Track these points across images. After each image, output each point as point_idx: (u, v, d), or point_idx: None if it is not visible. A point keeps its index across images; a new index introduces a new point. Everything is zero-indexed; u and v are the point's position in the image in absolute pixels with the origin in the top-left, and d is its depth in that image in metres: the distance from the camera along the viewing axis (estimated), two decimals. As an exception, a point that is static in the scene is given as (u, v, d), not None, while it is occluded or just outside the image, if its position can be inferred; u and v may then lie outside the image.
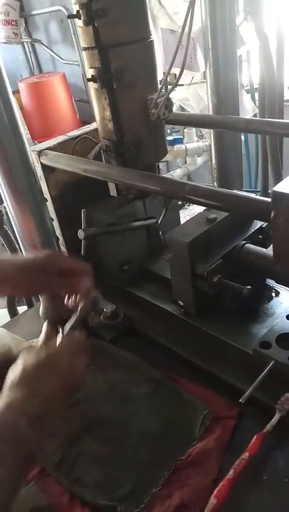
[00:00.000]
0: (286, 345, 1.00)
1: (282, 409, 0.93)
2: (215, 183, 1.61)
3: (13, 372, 0.79)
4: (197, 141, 3.44)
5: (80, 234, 1.25)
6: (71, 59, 4.26)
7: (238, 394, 0.95)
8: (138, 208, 1.38)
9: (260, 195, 1.90)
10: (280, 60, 1.78)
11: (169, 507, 0.86)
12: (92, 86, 1.06)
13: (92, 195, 1.27)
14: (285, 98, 1.90)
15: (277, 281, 1.20)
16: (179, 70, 1.01)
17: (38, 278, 0.97)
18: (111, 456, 0.97)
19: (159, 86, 1.09)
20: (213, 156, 1.56)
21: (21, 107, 4.15)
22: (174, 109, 2.42)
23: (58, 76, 4.28)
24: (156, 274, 1.37)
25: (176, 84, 1.10)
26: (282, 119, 1.74)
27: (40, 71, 4.92)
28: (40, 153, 1.28)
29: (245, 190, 2.12)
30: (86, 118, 3.68)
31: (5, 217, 1.58)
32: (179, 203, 1.83)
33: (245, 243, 1.15)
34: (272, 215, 0.75)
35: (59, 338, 0.88)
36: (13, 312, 1.96)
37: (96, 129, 1.19)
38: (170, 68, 1.04)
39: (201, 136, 3.47)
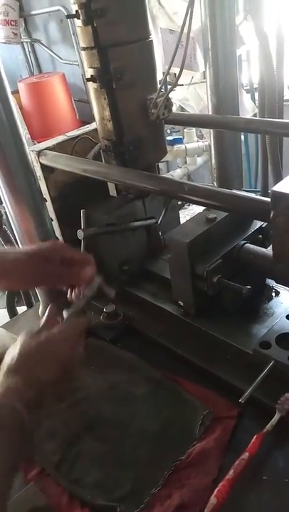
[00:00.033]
0: (286, 345, 1.00)
1: (282, 409, 0.93)
2: (215, 183, 1.61)
3: (11, 356, 0.79)
4: (197, 141, 3.45)
5: (80, 234, 1.25)
6: (71, 59, 4.26)
7: (238, 394, 0.95)
8: (138, 208, 1.38)
9: (260, 195, 1.90)
10: (279, 60, 1.78)
11: (168, 507, 0.85)
12: (92, 86, 1.06)
13: (91, 195, 1.27)
14: (284, 98, 1.90)
15: (277, 281, 1.19)
16: (179, 69, 1.01)
17: (42, 268, 0.98)
18: (111, 456, 0.97)
19: (159, 86, 1.09)
20: (213, 156, 1.56)
21: (21, 107, 4.15)
22: (174, 109, 2.42)
23: (57, 76, 4.28)
24: (156, 274, 1.37)
25: (175, 84, 1.10)
26: (282, 118, 1.73)
27: (40, 71, 4.92)
28: (39, 153, 1.28)
29: (245, 190, 2.12)
30: (86, 118, 3.67)
31: (4, 217, 1.58)
32: (179, 203, 1.82)
33: (244, 243, 1.15)
34: (271, 215, 0.75)
35: (60, 322, 0.88)
36: (12, 312, 1.96)
37: (95, 129, 1.19)
38: (169, 68, 1.04)
39: (200, 136, 3.47)
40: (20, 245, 1.40)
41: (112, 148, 1.11)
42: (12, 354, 0.79)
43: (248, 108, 2.58)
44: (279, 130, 1.27)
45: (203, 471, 0.90)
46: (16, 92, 4.16)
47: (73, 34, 3.95)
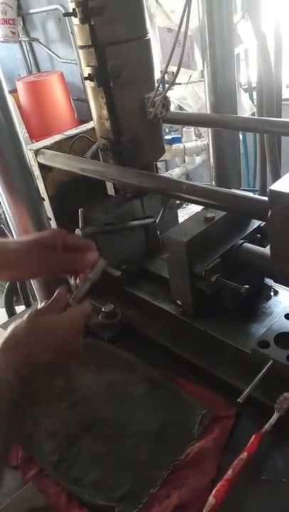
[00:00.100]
0: (284, 344, 1.00)
1: (280, 409, 0.93)
2: (213, 182, 1.61)
3: (12, 331, 0.78)
4: (195, 140, 3.44)
5: (78, 233, 1.24)
6: (69, 58, 4.25)
7: (237, 393, 0.95)
8: (136, 207, 1.37)
9: (259, 194, 1.90)
10: (278, 59, 1.78)
11: (167, 507, 0.85)
12: (89, 85, 1.06)
13: (89, 194, 1.27)
14: (283, 97, 1.90)
15: (275, 280, 1.19)
16: (176, 68, 1.00)
17: (44, 256, 0.98)
18: (109, 456, 0.97)
19: (156, 85, 1.08)
20: (211, 155, 1.56)
21: (19, 106, 4.15)
22: (172, 108, 2.42)
23: (55, 75, 4.27)
24: (155, 274, 1.37)
25: (172, 83, 1.09)
26: (281, 117, 1.73)
27: (38, 70, 4.91)
28: (37, 152, 1.27)
29: (243, 189, 2.12)
30: (84, 117, 3.67)
31: (2, 216, 1.57)
32: (177, 202, 1.82)
33: (243, 242, 1.15)
34: (269, 214, 0.75)
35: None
36: (11, 312, 1.96)
37: (93, 128, 1.19)
38: (166, 66, 1.04)
39: (199, 135, 3.47)
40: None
41: (109, 147, 1.11)
42: (14, 329, 0.79)
43: (246, 107, 2.58)
44: (277, 129, 1.27)
45: (202, 471, 0.90)
46: (14, 91, 4.15)
47: (71, 33, 3.94)
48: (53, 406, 1.09)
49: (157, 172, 1.31)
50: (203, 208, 1.18)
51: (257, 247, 1.14)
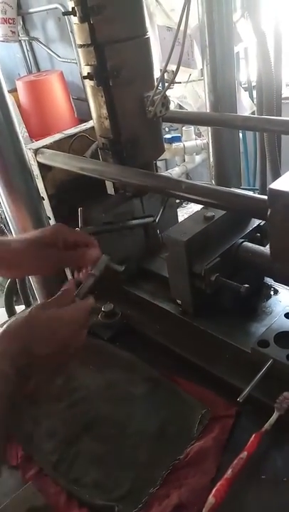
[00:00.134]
0: (284, 343, 1.00)
1: (280, 408, 0.92)
2: (213, 181, 1.61)
3: (14, 322, 0.77)
4: (195, 139, 3.44)
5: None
6: (69, 57, 4.25)
7: (236, 393, 0.94)
8: (136, 207, 1.37)
9: (259, 193, 1.90)
10: (277, 58, 1.77)
11: (167, 507, 0.85)
12: (89, 84, 1.05)
13: (89, 193, 1.27)
14: (283, 95, 1.90)
15: (275, 279, 1.19)
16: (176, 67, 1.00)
17: (45, 254, 0.99)
18: (109, 456, 0.96)
19: (156, 83, 1.08)
20: (211, 154, 1.55)
21: (19, 106, 4.15)
22: (172, 107, 2.41)
23: (55, 74, 4.27)
24: (154, 273, 1.37)
25: (172, 82, 1.09)
26: (280, 116, 1.73)
27: (38, 69, 4.91)
28: (36, 151, 1.27)
29: (243, 188, 2.11)
30: (84, 116, 3.66)
31: (2, 216, 1.57)
32: (177, 201, 1.82)
33: (243, 241, 1.15)
34: (268, 213, 0.75)
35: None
36: (11, 311, 1.96)
37: (93, 127, 1.19)
38: (166, 65, 1.03)
39: (199, 134, 3.47)
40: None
41: (109, 146, 1.10)
42: (14, 320, 0.78)
43: (246, 106, 2.58)
44: (277, 128, 1.26)
45: (202, 471, 0.90)
46: (14, 91, 4.15)
47: (71, 32, 3.94)
48: (52, 406, 1.09)
49: (157, 171, 1.30)
50: (202, 207, 1.17)
51: (257, 246, 1.14)
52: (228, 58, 1.38)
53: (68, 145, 1.33)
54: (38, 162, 1.28)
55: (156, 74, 1.12)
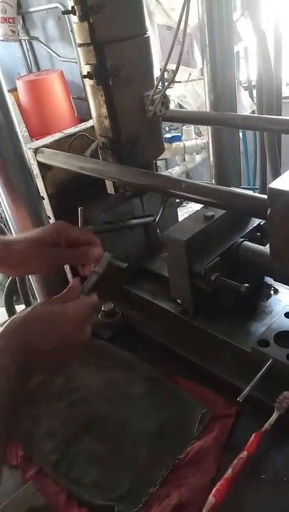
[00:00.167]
0: (284, 343, 0.99)
1: (280, 408, 0.92)
2: (213, 181, 1.60)
3: (16, 317, 0.78)
4: (195, 139, 3.44)
5: (78, 231, 1.24)
6: (69, 56, 4.25)
7: (236, 392, 0.94)
8: (136, 206, 1.37)
9: (259, 193, 1.89)
10: (277, 57, 1.77)
11: (167, 506, 0.85)
12: (88, 83, 1.05)
13: (89, 193, 1.26)
14: (283, 95, 1.90)
15: (275, 279, 1.19)
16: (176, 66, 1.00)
17: (46, 253, 0.99)
18: (109, 455, 0.96)
19: (156, 83, 1.08)
20: (211, 154, 1.55)
21: (19, 105, 4.14)
22: (172, 106, 2.40)
23: (55, 74, 4.27)
24: (154, 273, 1.37)
25: (171, 81, 1.09)
26: (281, 115, 1.73)
27: (38, 69, 4.90)
28: (36, 150, 1.27)
29: (243, 188, 2.11)
30: (84, 115, 3.66)
31: (2, 215, 1.57)
32: (177, 200, 1.82)
33: (243, 241, 1.14)
34: (268, 212, 0.74)
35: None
36: (11, 311, 1.96)
37: (93, 127, 1.18)
38: (166, 64, 1.03)
39: (199, 134, 3.47)
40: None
41: (109, 146, 1.10)
42: (16, 316, 0.79)
43: (246, 105, 2.58)
44: (277, 127, 1.26)
45: (202, 470, 0.90)
46: (14, 90, 4.15)
47: (71, 31, 3.94)
48: (52, 406, 1.09)
49: (157, 170, 1.30)
50: (202, 207, 1.17)
51: (257, 245, 1.14)
52: (228, 57, 1.38)
53: (68, 144, 1.33)
54: (37, 161, 1.28)
55: (156, 73, 1.12)
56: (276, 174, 1.76)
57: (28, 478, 0.96)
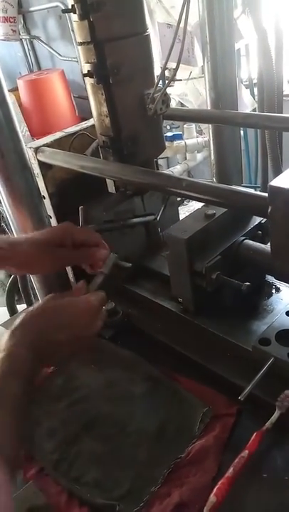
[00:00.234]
0: (286, 341, 0.99)
1: (281, 407, 0.92)
2: (214, 179, 1.60)
3: (29, 311, 0.81)
4: (197, 137, 3.43)
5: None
6: (70, 55, 4.24)
7: (238, 391, 0.94)
8: (136, 205, 1.37)
9: (260, 191, 1.89)
10: (278, 54, 1.76)
11: (168, 505, 0.85)
12: (89, 81, 1.05)
13: (90, 192, 1.26)
14: (284, 92, 1.89)
15: (276, 277, 1.19)
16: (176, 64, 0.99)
17: (57, 254, 1.01)
18: (110, 455, 0.96)
19: (156, 81, 1.08)
20: (212, 152, 1.55)
21: (20, 105, 4.14)
22: (174, 104, 2.39)
23: (56, 73, 4.26)
24: (155, 271, 1.36)
25: (171, 79, 1.08)
26: (282, 113, 1.72)
27: (39, 68, 4.90)
28: (36, 150, 1.27)
29: (245, 186, 2.10)
30: (85, 114, 3.66)
31: (3, 215, 1.57)
32: (178, 199, 1.82)
33: (244, 239, 1.14)
34: (269, 210, 0.74)
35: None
36: (12, 310, 1.96)
37: (93, 125, 1.18)
38: (166, 63, 1.03)
39: (200, 132, 3.46)
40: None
41: (109, 144, 1.10)
42: (30, 310, 0.82)
43: (248, 103, 2.57)
44: (278, 125, 1.26)
45: (203, 469, 0.90)
46: (15, 89, 4.14)
47: (72, 30, 3.93)
48: (53, 405, 1.09)
49: (158, 169, 1.30)
50: (203, 205, 1.17)
51: (258, 243, 1.14)
52: (229, 55, 1.37)
53: (69, 143, 1.33)
54: (38, 160, 1.28)
55: (157, 71, 1.11)
56: (277, 172, 1.76)
57: (29, 477, 0.96)
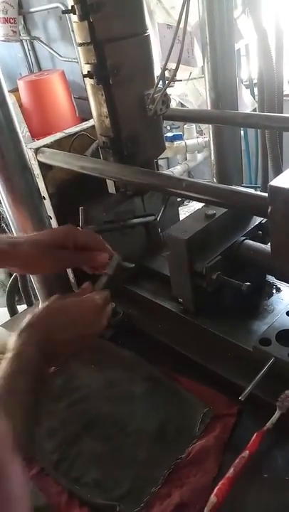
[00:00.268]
0: (286, 342, 0.99)
1: (282, 407, 0.92)
2: (214, 179, 1.60)
3: (36, 311, 0.83)
4: (197, 138, 3.43)
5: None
6: (70, 56, 4.24)
7: (238, 391, 0.94)
8: (137, 205, 1.37)
9: (261, 191, 1.89)
10: (279, 54, 1.76)
11: (168, 506, 0.85)
12: (89, 82, 1.05)
13: (90, 192, 1.26)
14: (284, 92, 1.89)
15: (276, 277, 1.19)
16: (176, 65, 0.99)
17: (59, 255, 1.02)
18: (110, 455, 0.96)
19: (156, 81, 1.08)
20: (212, 152, 1.55)
21: (21, 105, 4.14)
22: (174, 104, 2.40)
23: (56, 73, 4.26)
24: (156, 272, 1.36)
25: (171, 80, 1.08)
26: (282, 113, 1.72)
27: (40, 69, 4.90)
28: (36, 150, 1.27)
29: (245, 186, 2.11)
30: (86, 115, 3.65)
31: (3, 215, 1.57)
32: (178, 199, 1.81)
33: (244, 239, 1.14)
34: (269, 210, 0.74)
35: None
36: (12, 311, 1.96)
37: (93, 126, 1.18)
38: (166, 63, 1.03)
39: (200, 132, 3.46)
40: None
41: (109, 145, 1.10)
42: (36, 310, 0.83)
43: (248, 103, 2.57)
44: (278, 125, 1.26)
45: (203, 470, 0.90)
46: (15, 90, 4.15)
47: (72, 31, 3.93)
48: (53, 405, 1.09)
49: (158, 169, 1.30)
50: (203, 205, 1.17)
51: (258, 243, 1.14)
52: (229, 55, 1.37)
53: (69, 144, 1.33)
54: (38, 161, 1.28)
55: (157, 72, 1.11)
56: (278, 172, 1.75)
57: (30, 477, 0.96)
